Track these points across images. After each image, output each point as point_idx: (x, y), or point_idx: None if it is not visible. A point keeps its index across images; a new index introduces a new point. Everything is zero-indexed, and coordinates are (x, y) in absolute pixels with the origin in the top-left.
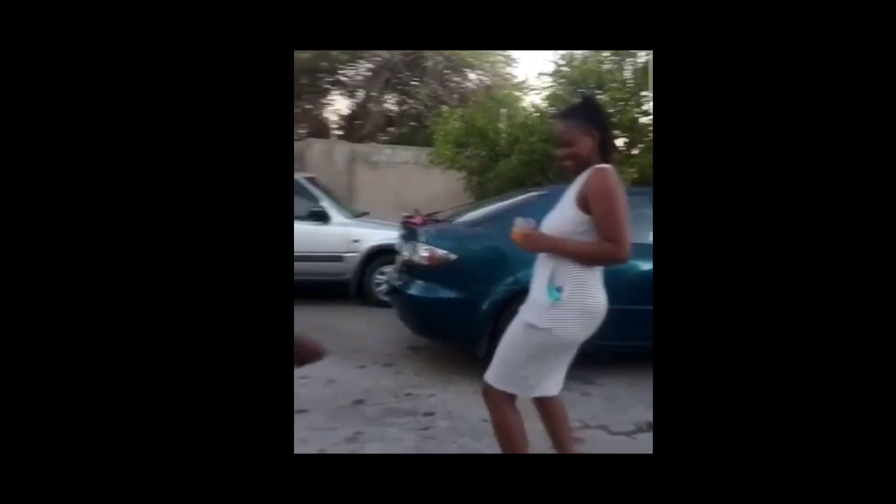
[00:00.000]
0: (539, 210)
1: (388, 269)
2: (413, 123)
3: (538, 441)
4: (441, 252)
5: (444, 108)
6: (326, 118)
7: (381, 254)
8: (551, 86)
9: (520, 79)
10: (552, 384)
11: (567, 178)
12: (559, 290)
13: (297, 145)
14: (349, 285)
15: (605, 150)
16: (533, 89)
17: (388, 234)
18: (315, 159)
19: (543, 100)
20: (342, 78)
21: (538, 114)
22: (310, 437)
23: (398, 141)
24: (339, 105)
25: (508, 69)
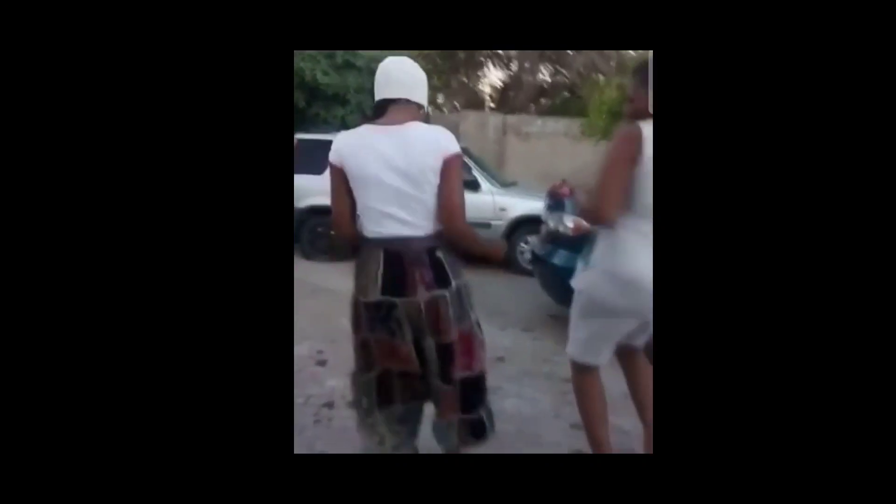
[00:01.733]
0: None
1: (532, 238)
2: (566, 94)
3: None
4: (587, 223)
5: (600, 76)
6: (482, 90)
7: (527, 223)
8: None
9: None
10: (606, 355)
11: None
12: (590, 253)
13: (452, 117)
14: None
15: None
16: None
17: (533, 205)
18: (469, 130)
19: None
20: (498, 51)
21: None
22: None
23: (550, 112)
24: (493, 77)
25: None
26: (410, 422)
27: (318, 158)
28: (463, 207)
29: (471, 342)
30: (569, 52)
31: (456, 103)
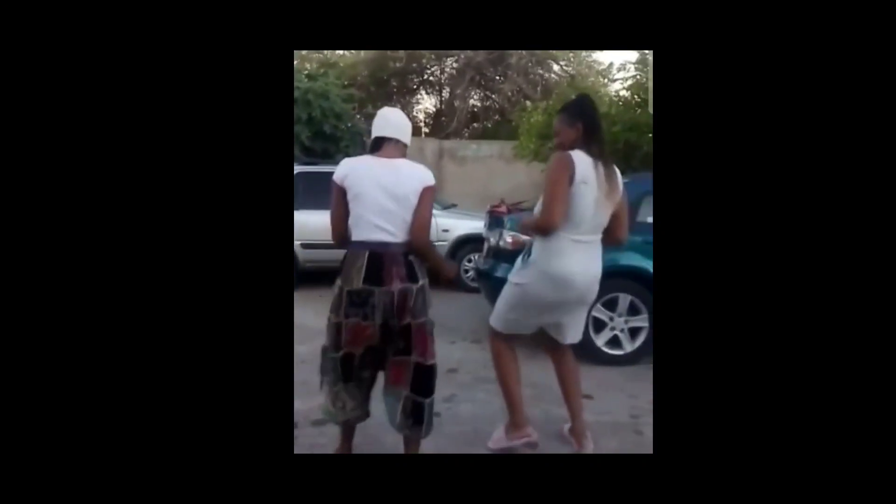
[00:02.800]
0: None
1: (475, 256)
2: (497, 118)
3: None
4: (525, 238)
5: (528, 102)
6: (416, 117)
7: (469, 242)
8: (634, 75)
9: (604, 66)
10: (530, 327)
11: (649, 167)
12: (529, 255)
13: None
14: None
15: (589, 141)
16: (615, 79)
17: (474, 224)
18: (407, 156)
19: (626, 89)
20: (429, 78)
21: (622, 103)
22: None
23: (483, 136)
24: (426, 104)
25: (593, 57)
26: (364, 389)
27: None
28: (430, 224)
29: (427, 333)
30: (497, 77)
31: None
